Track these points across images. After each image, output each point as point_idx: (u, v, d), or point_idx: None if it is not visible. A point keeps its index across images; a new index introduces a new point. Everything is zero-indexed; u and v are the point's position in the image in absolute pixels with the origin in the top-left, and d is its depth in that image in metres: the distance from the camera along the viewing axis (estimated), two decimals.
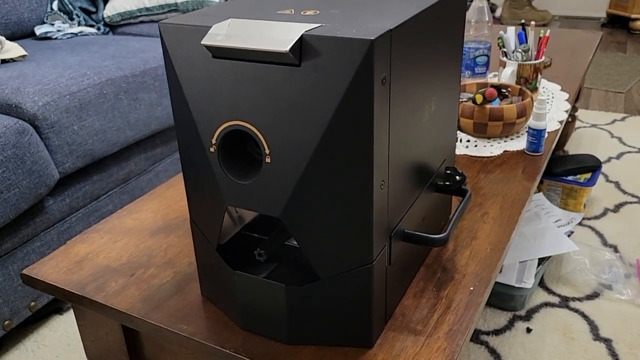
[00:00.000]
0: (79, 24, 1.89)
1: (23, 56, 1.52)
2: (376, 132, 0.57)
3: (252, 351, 0.69)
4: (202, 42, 0.58)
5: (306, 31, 0.55)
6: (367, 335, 0.68)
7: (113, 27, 1.98)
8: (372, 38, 0.52)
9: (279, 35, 0.56)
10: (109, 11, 1.92)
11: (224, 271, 0.71)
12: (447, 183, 0.79)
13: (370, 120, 0.56)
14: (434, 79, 0.72)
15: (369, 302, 0.66)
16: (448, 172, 0.80)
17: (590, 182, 1.68)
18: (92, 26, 1.92)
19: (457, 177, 0.78)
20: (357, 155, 0.57)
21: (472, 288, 0.78)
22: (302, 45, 0.55)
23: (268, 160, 0.61)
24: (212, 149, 0.64)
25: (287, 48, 0.54)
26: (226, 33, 0.58)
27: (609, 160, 2.06)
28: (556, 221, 1.57)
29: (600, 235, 1.62)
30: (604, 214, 1.73)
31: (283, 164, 0.60)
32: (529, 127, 1.13)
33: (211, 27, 0.59)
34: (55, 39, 1.79)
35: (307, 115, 0.57)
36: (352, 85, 0.55)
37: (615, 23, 4.01)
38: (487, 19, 1.40)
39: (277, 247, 0.70)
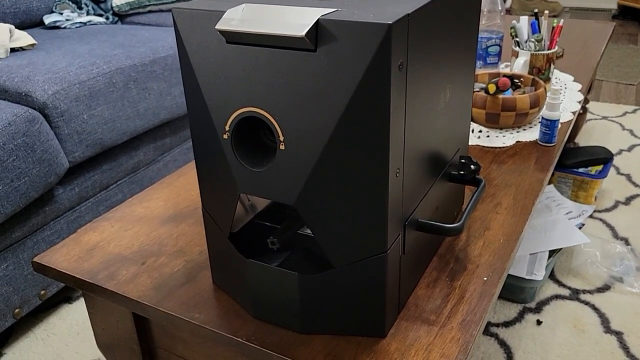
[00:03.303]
0: (88, 13, 1.89)
1: (32, 45, 1.52)
2: (392, 119, 0.56)
3: (264, 340, 0.69)
4: (216, 27, 0.57)
5: (322, 16, 0.54)
6: (380, 325, 0.67)
7: (122, 16, 1.97)
8: (390, 22, 0.51)
9: (295, 20, 0.55)
10: (117, 0, 1.92)
11: (236, 260, 0.71)
12: (462, 172, 0.79)
13: (387, 107, 0.55)
14: (449, 66, 0.71)
15: (382, 291, 0.65)
16: (463, 161, 0.79)
17: (602, 175, 1.66)
18: (100, 15, 1.92)
19: (472, 167, 0.77)
20: (373, 143, 0.57)
21: (485, 278, 0.77)
22: (318, 30, 0.54)
23: (282, 147, 0.60)
24: (225, 136, 0.63)
25: (303, 33, 0.53)
26: (241, 18, 0.57)
27: (620, 152, 2.04)
28: (567, 213, 1.56)
29: (612, 228, 1.61)
30: (615, 206, 1.71)
31: (297, 151, 0.60)
32: (542, 118, 1.12)
33: (225, 11, 0.59)
34: (64, 28, 1.79)
35: (323, 102, 0.56)
36: (368, 71, 0.54)
37: (627, 15, 3.96)
38: (499, 9, 1.38)
39: (290, 235, 0.70)
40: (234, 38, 0.58)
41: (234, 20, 0.58)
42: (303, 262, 0.74)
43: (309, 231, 0.76)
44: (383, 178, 0.58)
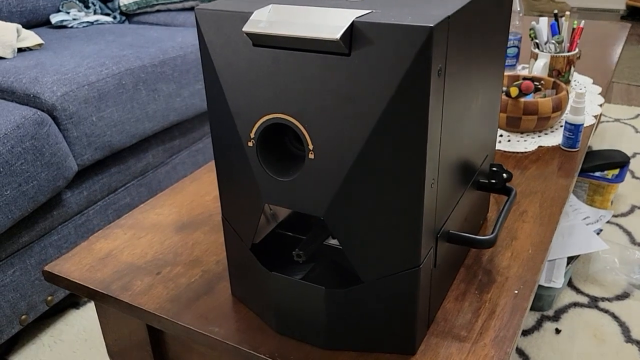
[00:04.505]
0: (95, 13, 1.86)
1: (40, 45, 1.49)
2: (430, 128, 0.53)
3: (288, 356, 0.65)
4: (243, 29, 0.54)
5: (357, 17, 0.51)
6: (410, 342, 0.64)
7: (129, 15, 1.94)
8: (432, 25, 0.48)
9: (328, 22, 0.52)
10: None
11: (258, 272, 0.67)
12: (492, 181, 0.75)
13: (425, 115, 0.52)
14: (483, 70, 0.68)
15: (413, 306, 0.62)
16: (494, 169, 0.76)
17: (619, 179, 1.63)
18: (108, 15, 1.89)
19: (504, 175, 0.74)
20: (409, 152, 0.53)
21: (516, 292, 0.74)
22: (353, 32, 0.51)
23: (311, 156, 0.57)
24: (250, 144, 0.60)
25: (338, 36, 0.50)
26: (269, 19, 0.54)
27: (634, 155, 2.01)
28: (584, 218, 1.53)
29: (628, 234, 1.58)
30: (631, 211, 1.68)
31: (328, 160, 0.56)
32: (566, 122, 1.08)
33: (252, 13, 0.55)
34: (71, 27, 1.76)
35: (356, 109, 0.53)
36: (407, 77, 0.51)
37: (635, 15, 3.93)
38: (518, 9, 1.35)
39: (316, 247, 0.67)
40: (261, 41, 0.55)
41: (262, 22, 0.54)
42: (328, 274, 0.71)
43: (334, 242, 0.73)
44: (419, 189, 0.55)
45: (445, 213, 0.65)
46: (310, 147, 0.57)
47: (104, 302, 0.79)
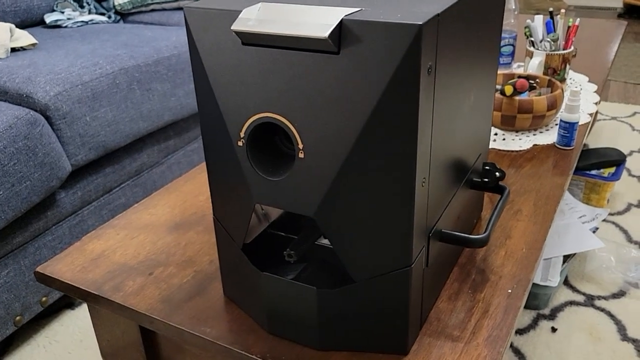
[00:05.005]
0: (90, 12, 1.85)
1: (33, 44, 1.48)
2: (420, 126, 0.53)
3: (280, 357, 0.65)
4: (232, 28, 0.54)
5: (346, 15, 0.51)
6: (403, 341, 0.64)
7: (124, 15, 1.93)
8: (421, 23, 0.48)
9: (316, 20, 0.51)
10: None
11: (250, 272, 0.67)
12: (486, 180, 0.75)
13: (415, 114, 0.51)
14: (475, 68, 0.68)
15: (405, 306, 0.61)
16: (487, 168, 0.76)
17: (615, 177, 1.63)
18: (102, 14, 1.88)
19: (497, 174, 0.74)
20: (399, 151, 0.53)
21: (510, 291, 0.73)
22: (342, 31, 0.51)
23: (301, 155, 0.57)
24: (240, 143, 0.60)
25: (326, 34, 0.50)
26: (258, 18, 0.54)
27: (630, 153, 2.00)
28: (580, 217, 1.52)
29: (625, 232, 1.57)
30: (627, 209, 1.68)
31: (318, 159, 0.56)
32: (561, 120, 1.08)
33: (241, 11, 0.55)
34: (66, 27, 1.75)
35: (346, 107, 0.53)
36: (396, 75, 0.50)
37: (632, 13, 3.93)
38: (513, 7, 1.35)
39: (307, 247, 0.66)
40: (250, 39, 0.55)
41: (250, 20, 0.54)
42: (320, 274, 0.71)
43: (325, 241, 0.73)
44: (409, 188, 0.54)
45: (437, 212, 0.64)
46: (300, 146, 0.56)
47: (96, 303, 0.78)
